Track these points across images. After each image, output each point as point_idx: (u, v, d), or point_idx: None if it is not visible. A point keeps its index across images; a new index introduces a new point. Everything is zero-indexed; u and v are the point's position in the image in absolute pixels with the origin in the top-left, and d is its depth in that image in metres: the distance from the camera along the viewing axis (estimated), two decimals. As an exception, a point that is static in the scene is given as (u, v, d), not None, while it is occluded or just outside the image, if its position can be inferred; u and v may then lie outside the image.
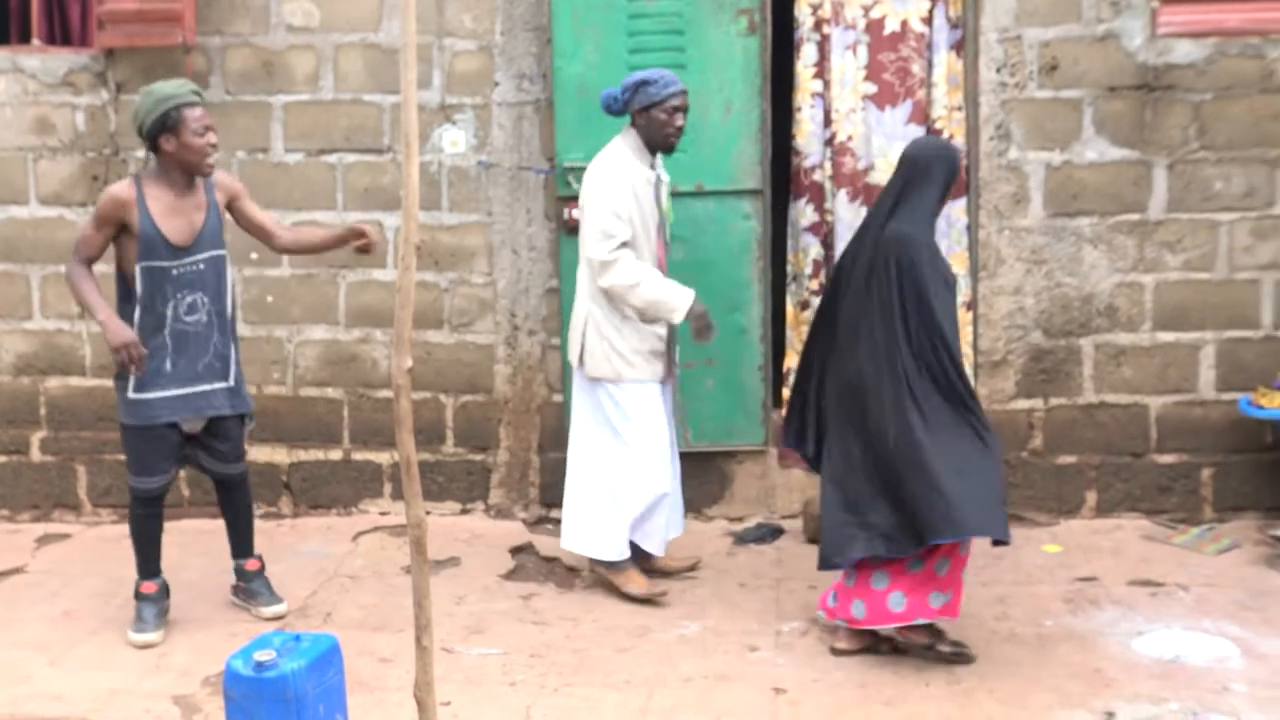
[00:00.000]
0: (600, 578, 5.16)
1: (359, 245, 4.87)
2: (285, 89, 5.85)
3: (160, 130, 4.56)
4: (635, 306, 4.86)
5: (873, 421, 4.31)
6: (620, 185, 4.85)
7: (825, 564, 4.44)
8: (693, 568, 5.31)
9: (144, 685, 4.38)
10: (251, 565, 5.00)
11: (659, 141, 4.93)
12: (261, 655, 3.69)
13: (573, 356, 5.07)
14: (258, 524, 5.79)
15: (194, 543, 5.43)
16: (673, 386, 5.16)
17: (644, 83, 4.87)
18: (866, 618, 4.40)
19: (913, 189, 4.36)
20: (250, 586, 4.98)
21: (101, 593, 5.16)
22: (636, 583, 5.06)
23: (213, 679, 4.31)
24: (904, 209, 4.35)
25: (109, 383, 5.93)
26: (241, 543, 5.01)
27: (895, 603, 4.37)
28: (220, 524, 5.07)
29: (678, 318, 4.86)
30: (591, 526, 5.06)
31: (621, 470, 4.99)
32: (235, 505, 4.99)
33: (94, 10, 5.80)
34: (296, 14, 5.82)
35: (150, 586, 4.79)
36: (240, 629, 4.72)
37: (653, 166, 4.99)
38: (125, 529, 4.91)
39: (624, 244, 4.82)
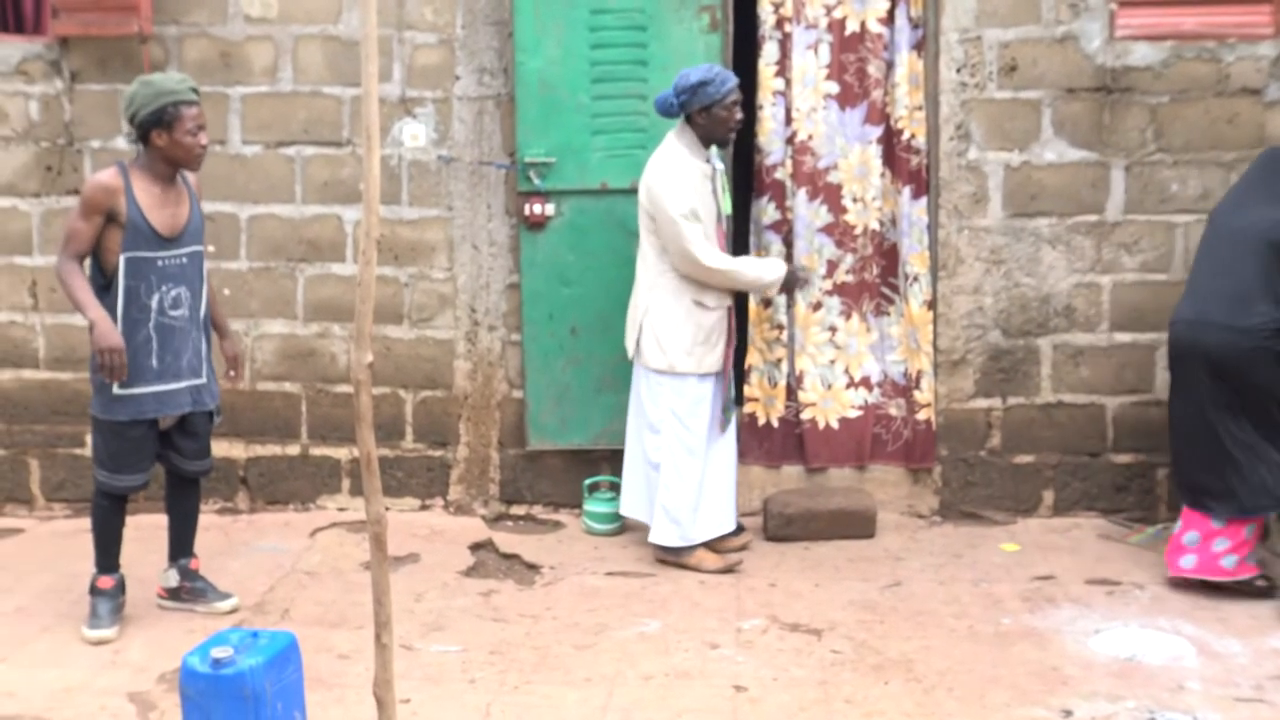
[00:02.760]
0: (672, 564, 5.33)
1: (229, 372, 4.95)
2: (243, 80, 5.80)
3: (155, 124, 4.51)
4: (729, 284, 5.22)
5: None
6: (686, 182, 5.07)
7: None
8: (743, 546, 5.47)
9: (99, 682, 4.32)
10: (195, 564, 4.96)
11: (719, 136, 5.19)
12: (219, 652, 3.66)
13: (629, 348, 5.31)
14: (214, 519, 5.80)
15: (151, 538, 5.34)
16: (726, 378, 5.32)
17: (703, 83, 5.05)
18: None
19: None
20: (196, 585, 4.92)
21: (55, 588, 5.08)
22: (710, 560, 5.26)
23: (169, 676, 4.26)
24: None
25: (63, 375, 5.90)
26: (187, 542, 4.95)
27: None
28: None
29: (774, 291, 5.40)
30: (654, 514, 5.30)
31: (671, 460, 5.22)
32: (188, 503, 4.94)
33: (49, -2, 5.72)
34: (255, 4, 5.76)
35: (107, 581, 4.72)
36: (197, 625, 4.68)
37: (708, 160, 5.19)
38: (79, 524, 4.87)
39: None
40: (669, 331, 5.18)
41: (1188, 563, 4.97)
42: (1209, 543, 4.94)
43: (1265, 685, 4.22)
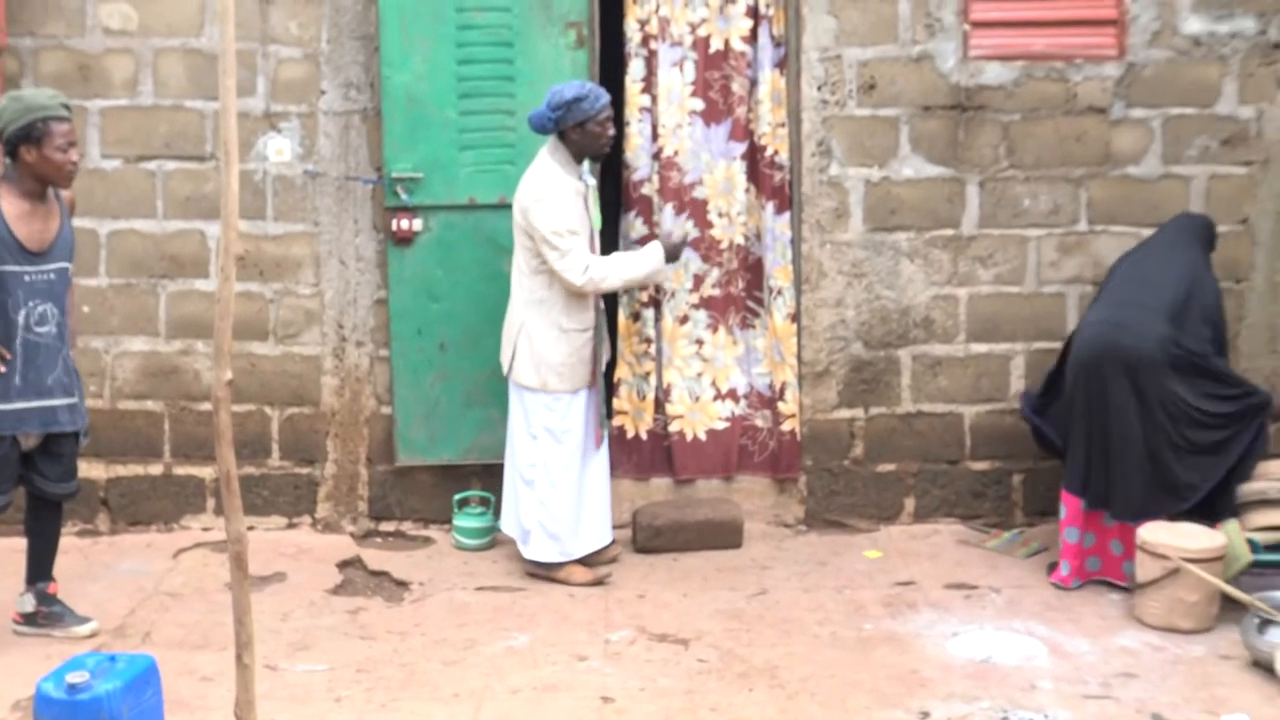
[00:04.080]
0: (542, 578, 5.33)
1: None
2: (102, 94, 5.70)
3: (23, 140, 4.44)
4: (622, 289, 5.37)
5: None
6: (561, 199, 5.08)
7: None
8: (613, 559, 5.51)
9: (-51, 711, 4.21)
10: (53, 588, 4.85)
11: (593, 152, 5.23)
12: (74, 677, 3.62)
13: (504, 365, 5.30)
14: (74, 541, 5.67)
15: (5, 561, 5.21)
16: (597, 392, 5.34)
17: (577, 99, 5.07)
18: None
19: None
20: (54, 610, 4.82)
21: (-96, 616, 4.95)
22: (579, 573, 5.28)
23: (23, 703, 4.16)
24: None
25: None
26: (46, 565, 4.85)
27: None
28: None
29: (663, 276, 5.48)
30: (528, 530, 5.31)
31: (547, 476, 5.23)
32: (50, 526, 4.84)
33: (-103, 8, 5.57)
34: (114, 16, 5.67)
35: (-42, 607, 4.62)
36: (54, 650, 4.56)
37: (580, 177, 5.20)
38: (-72, 549, 4.73)
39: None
40: (542, 349, 5.19)
41: (1092, 565, 5.20)
42: (1106, 544, 5.17)
43: (1112, 682, 4.38)
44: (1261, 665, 4.44)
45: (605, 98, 5.15)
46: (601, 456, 5.45)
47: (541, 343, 5.19)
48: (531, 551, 5.31)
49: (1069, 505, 5.20)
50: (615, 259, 5.27)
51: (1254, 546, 4.94)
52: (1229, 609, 4.76)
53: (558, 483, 5.25)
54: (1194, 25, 5.72)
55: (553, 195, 5.08)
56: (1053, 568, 5.29)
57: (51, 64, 5.66)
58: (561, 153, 5.17)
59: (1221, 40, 5.73)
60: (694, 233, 5.81)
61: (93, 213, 5.71)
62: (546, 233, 5.06)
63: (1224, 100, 5.76)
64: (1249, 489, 5.18)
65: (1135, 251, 5.47)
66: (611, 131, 5.21)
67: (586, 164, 5.31)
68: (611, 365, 5.82)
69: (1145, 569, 4.83)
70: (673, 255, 5.38)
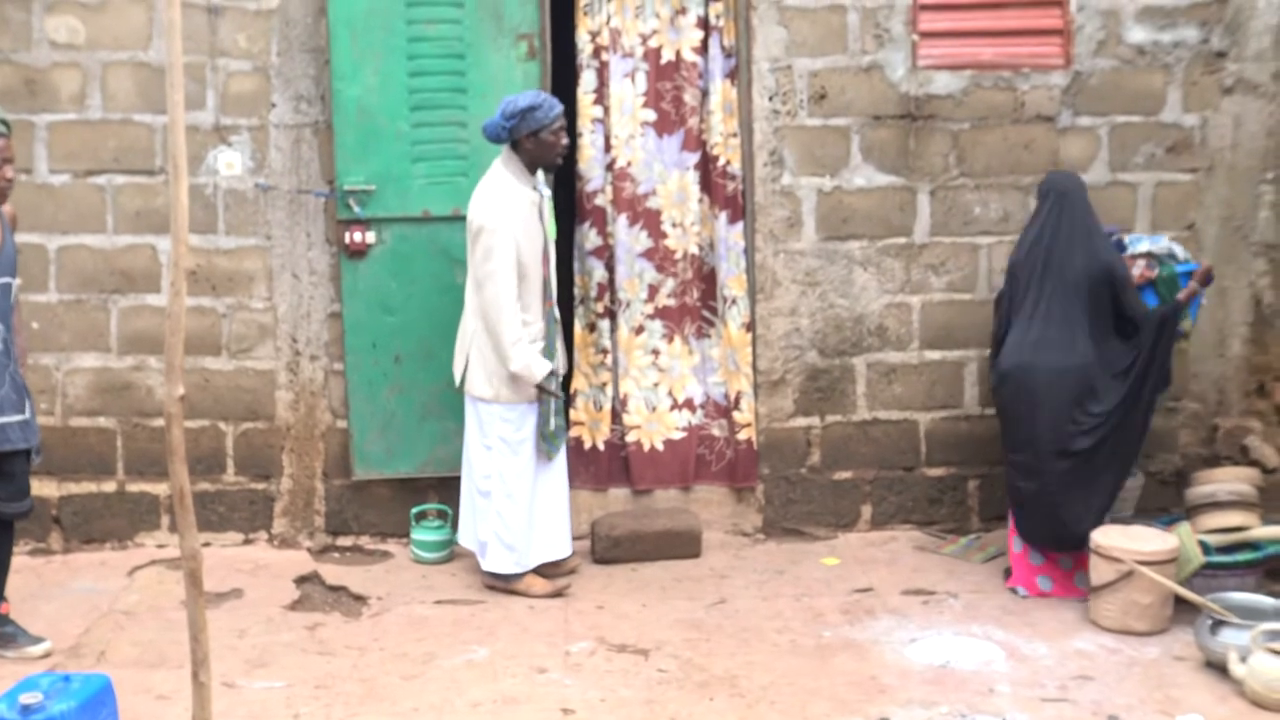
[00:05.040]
0: (501, 590, 5.33)
1: None
2: (50, 108, 5.66)
3: None
4: (496, 345, 5.15)
5: None
6: (514, 216, 5.07)
7: None
8: (572, 570, 5.51)
9: (-101, 736, 4.16)
10: (5, 608, 4.81)
11: (547, 161, 5.21)
12: (27, 698, 3.61)
13: (456, 376, 5.30)
14: (26, 561, 5.63)
15: (-45, 583, 5.20)
16: (549, 405, 5.29)
17: (531, 108, 5.06)
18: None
19: None
20: (6, 630, 4.78)
21: None
22: (538, 585, 5.29)
23: (-24, 726, 4.12)
24: None
25: None
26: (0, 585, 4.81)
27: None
28: None
29: (520, 383, 5.18)
30: (485, 542, 5.30)
31: (502, 487, 5.23)
32: (2, 546, 4.78)
33: None
34: (61, 30, 5.63)
35: (-91, 629, 4.57)
36: (6, 671, 4.53)
37: (534, 187, 5.20)
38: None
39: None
40: (494, 360, 5.18)
41: (1044, 584, 5.23)
42: (1055, 559, 5.22)
43: (1069, 685, 4.43)
44: (1215, 666, 4.49)
45: (559, 108, 5.17)
46: (559, 466, 5.46)
47: (493, 353, 5.18)
48: (489, 563, 5.31)
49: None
50: (520, 341, 5.09)
51: (1205, 549, 5.03)
52: (1183, 611, 4.82)
53: (513, 493, 5.25)
54: (1138, 35, 5.81)
55: (504, 211, 5.04)
56: (1009, 573, 5.34)
57: (-3, 78, 5.63)
58: (515, 163, 5.17)
59: (1165, 49, 5.82)
60: (641, 306, 5.87)
61: (41, 228, 5.66)
62: (482, 253, 5.05)
63: (1169, 108, 5.85)
64: (1198, 492, 5.28)
65: (1026, 243, 5.33)
66: (565, 141, 5.22)
67: (541, 174, 5.32)
68: (568, 376, 5.83)
69: (1099, 572, 4.89)
70: (537, 387, 5.17)
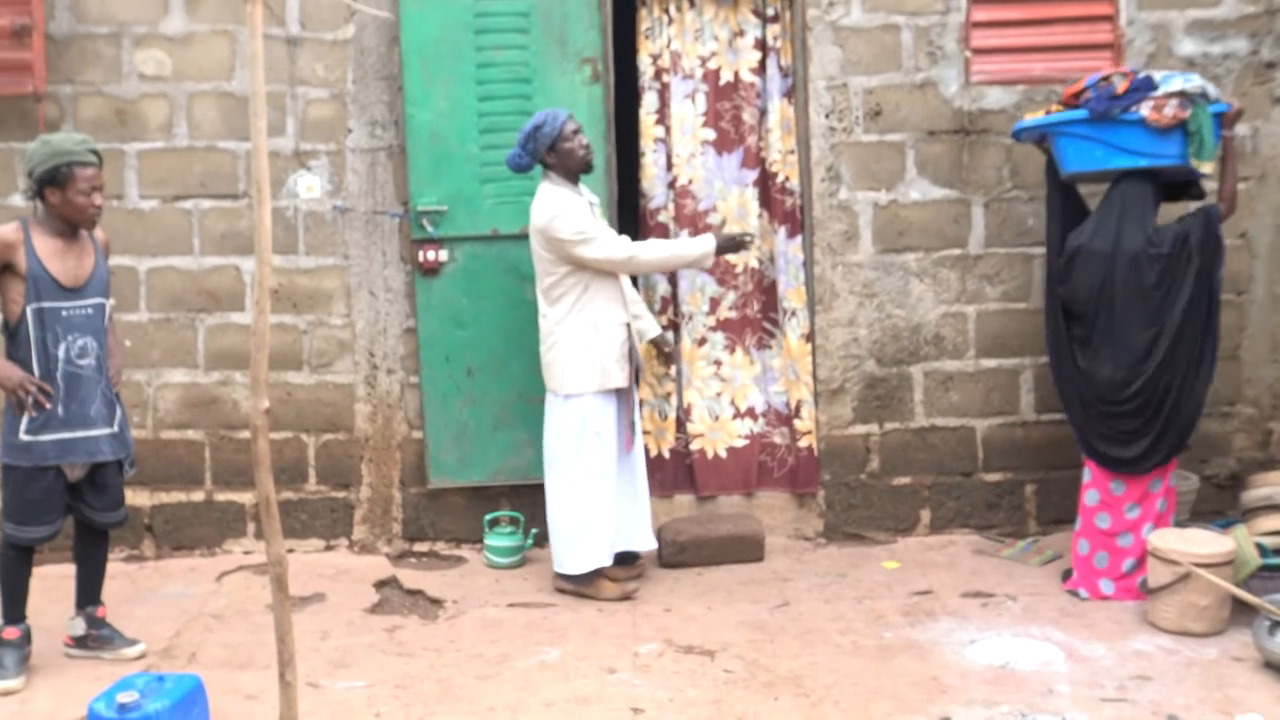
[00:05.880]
0: (571, 593, 5.43)
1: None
2: (139, 137, 5.88)
3: (49, 182, 4.59)
4: (662, 266, 5.42)
5: None
6: (570, 208, 5.16)
7: None
8: (639, 574, 5.58)
9: (7, 733, 4.33)
10: (102, 612, 4.98)
11: (577, 166, 5.27)
12: (124, 697, 3.70)
13: (547, 383, 5.39)
14: (121, 567, 5.80)
15: (56, 588, 5.35)
16: (629, 398, 5.39)
17: (537, 127, 5.20)
18: None
19: None
20: (103, 633, 4.94)
21: (-40, 642, 5.08)
22: (608, 588, 5.36)
23: (78, 723, 4.29)
24: None
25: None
26: (95, 590, 4.97)
27: None
28: None
29: (708, 261, 5.47)
30: (559, 543, 5.39)
31: (578, 484, 5.31)
32: (98, 553, 4.96)
33: (-58, 59, 5.76)
34: (148, 63, 5.86)
35: (13, 632, 4.73)
36: (104, 672, 4.69)
37: (581, 194, 5.30)
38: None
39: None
40: (571, 354, 5.25)
41: (1106, 588, 5.27)
42: (1119, 563, 5.24)
43: (1128, 685, 4.44)
44: (1273, 666, 4.50)
45: (564, 115, 5.24)
46: (636, 461, 5.53)
47: (578, 347, 5.24)
48: (564, 564, 5.39)
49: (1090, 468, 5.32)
50: (657, 240, 5.30)
51: (1262, 550, 5.02)
52: (1240, 612, 4.82)
53: (593, 490, 5.32)
54: (1189, 47, 5.85)
55: (566, 208, 5.17)
56: (1067, 575, 5.38)
57: (90, 109, 5.86)
58: (555, 177, 5.28)
59: (1215, 61, 5.85)
60: (704, 319, 6.01)
61: (132, 251, 5.90)
62: (571, 234, 5.15)
63: (1221, 119, 5.89)
64: (1254, 495, 5.30)
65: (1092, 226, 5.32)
66: (585, 141, 5.28)
67: (584, 186, 5.42)
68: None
69: (1157, 574, 4.91)
70: (725, 247, 5.40)
